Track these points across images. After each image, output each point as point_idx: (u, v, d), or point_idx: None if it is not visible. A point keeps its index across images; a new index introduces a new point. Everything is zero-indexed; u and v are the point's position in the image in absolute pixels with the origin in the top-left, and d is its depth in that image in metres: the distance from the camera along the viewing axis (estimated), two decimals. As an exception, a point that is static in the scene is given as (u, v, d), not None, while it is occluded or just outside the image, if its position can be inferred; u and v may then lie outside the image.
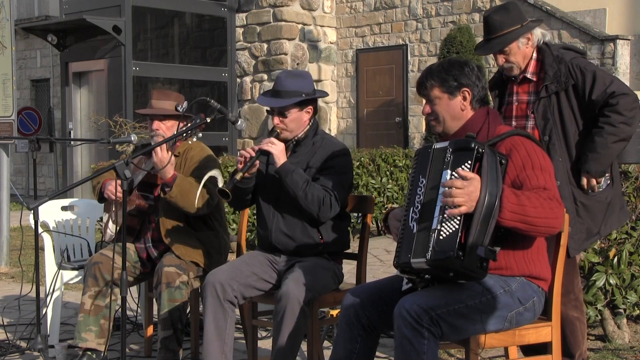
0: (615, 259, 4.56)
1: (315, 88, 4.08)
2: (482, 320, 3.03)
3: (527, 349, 3.82)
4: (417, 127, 12.50)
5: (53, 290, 4.78)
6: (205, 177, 4.13)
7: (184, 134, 4.06)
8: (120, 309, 3.72)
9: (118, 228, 4.49)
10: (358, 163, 9.07)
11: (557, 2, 11.31)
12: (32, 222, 4.48)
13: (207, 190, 4.26)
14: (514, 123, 3.88)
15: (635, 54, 10.88)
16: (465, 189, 2.83)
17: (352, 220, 8.23)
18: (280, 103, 3.90)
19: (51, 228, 5.16)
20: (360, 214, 4.25)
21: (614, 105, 3.69)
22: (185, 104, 4.47)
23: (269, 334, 4.95)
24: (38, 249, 4.58)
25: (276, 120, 3.93)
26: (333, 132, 13.35)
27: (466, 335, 3.04)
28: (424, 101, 3.33)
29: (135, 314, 5.38)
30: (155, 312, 4.58)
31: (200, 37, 13.52)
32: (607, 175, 3.82)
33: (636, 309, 4.71)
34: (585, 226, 3.80)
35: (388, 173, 9.28)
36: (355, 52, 13.37)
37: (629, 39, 10.69)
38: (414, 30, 12.62)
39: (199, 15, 13.41)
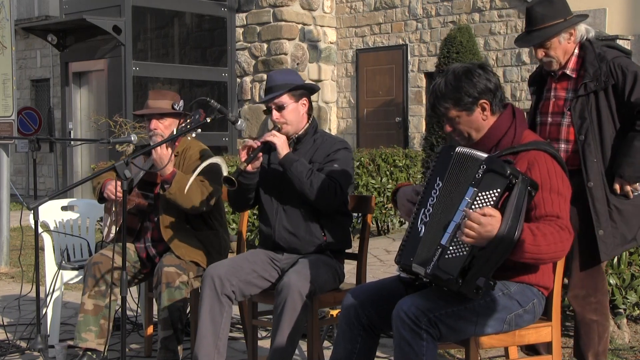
0: (615, 259, 4.56)
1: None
2: (481, 322, 3.02)
3: (528, 347, 3.83)
4: (417, 127, 12.50)
5: (53, 290, 4.78)
6: (205, 163, 4.11)
7: (185, 131, 4.05)
8: (120, 309, 3.72)
9: (118, 228, 4.49)
10: (358, 163, 9.07)
11: (557, 2, 11.31)
12: (32, 222, 4.47)
13: (207, 185, 4.27)
14: (549, 119, 3.82)
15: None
16: (481, 226, 2.77)
17: (352, 220, 8.24)
18: (275, 93, 3.94)
19: (51, 228, 5.15)
20: (360, 214, 4.25)
21: None
22: (181, 102, 4.49)
23: (269, 334, 4.95)
24: (38, 249, 4.58)
25: (275, 115, 3.95)
26: (333, 132, 13.34)
27: (465, 336, 3.04)
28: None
29: (135, 314, 5.38)
30: (155, 312, 4.58)
31: (200, 37, 13.51)
32: None
33: (636, 309, 4.71)
34: (619, 231, 3.70)
35: (388, 173, 9.28)
36: (355, 52, 13.37)
37: (629, 39, 10.68)
38: (414, 30, 12.62)
39: (199, 15, 13.40)
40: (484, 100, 3.09)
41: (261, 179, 4.03)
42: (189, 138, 4.40)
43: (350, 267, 4.34)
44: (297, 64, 12.98)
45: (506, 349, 3.75)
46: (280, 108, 3.95)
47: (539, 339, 3.25)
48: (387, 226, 9.40)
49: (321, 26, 13.42)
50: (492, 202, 2.85)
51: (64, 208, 5.25)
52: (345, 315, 3.21)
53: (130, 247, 4.49)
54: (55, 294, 4.81)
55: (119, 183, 3.52)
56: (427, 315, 2.90)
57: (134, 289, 5.23)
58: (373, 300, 3.19)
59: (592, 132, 3.68)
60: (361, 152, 9.62)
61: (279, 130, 3.93)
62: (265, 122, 12.92)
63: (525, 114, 3.28)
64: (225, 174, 4.10)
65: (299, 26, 13.13)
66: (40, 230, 4.64)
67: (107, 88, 12.74)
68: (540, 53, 3.75)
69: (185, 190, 4.17)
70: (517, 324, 3.11)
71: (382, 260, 7.74)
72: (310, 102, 4.06)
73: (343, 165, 3.92)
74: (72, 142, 12.63)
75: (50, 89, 17.54)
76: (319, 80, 13.21)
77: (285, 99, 3.95)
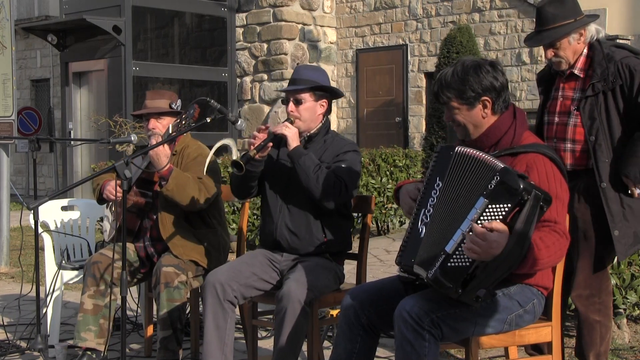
0: (615, 259, 4.55)
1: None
2: (482, 322, 3.02)
3: (533, 347, 3.83)
4: (417, 127, 12.50)
5: (53, 290, 4.78)
6: (218, 144, 4.12)
7: (181, 125, 4.04)
8: (120, 309, 3.72)
9: (117, 227, 4.49)
10: (358, 163, 9.06)
11: (557, 2, 11.30)
12: (32, 222, 4.48)
13: (206, 183, 4.27)
14: (556, 119, 3.81)
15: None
16: (487, 243, 2.72)
17: (353, 223, 8.24)
18: (297, 87, 3.94)
19: (51, 228, 5.16)
20: (360, 214, 4.25)
21: None
22: (179, 101, 4.49)
23: (269, 334, 4.95)
24: (38, 249, 4.58)
25: (291, 106, 3.95)
26: (333, 132, 13.34)
27: (466, 336, 3.04)
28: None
29: (135, 314, 5.38)
30: (155, 312, 4.58)
31: (200, 37, 13.51)
32: None
33: (636, 309, 4.71)
34: (632, 230, 3.68)
35: (388, 173, 9.28)
36: (355, 52, 13.37)
37: (629, 39, 10.67)
38: (414, 30, 12.62)
39: (199, 15, 13.40)
40: (487, 98, 3.09)
41: (268, 175, 4.03)
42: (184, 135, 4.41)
43: (350, 267, 4.34)
44: (297, 64, 12.97)
45: (506, 349, 3.76)
46: (298, 102, 3.95)
47: (539, 339, 3.25)
48: (387, 226, 9.40)
49: (321, 26, 13.42)
50: (500, 217, 2.80)
51: (64, 208, 5.25)
52: (345, 315, 3.21)
53: (129, 246, 4.49)
54: (55, 294, 4.81)
55: (118, 183, 3.52)
56: (429, 315, 2.90)
57: (133, 289, 5.23)
58: (373, 300, 3.19)
59: (602, 133, 3.67)
60: (361, 152, 9.61)
61: (292, 123, 3.93)
62: (266, 121, 12.92)
63: (525, 114, 3.27)
64: (234, 157, 4.09)
65: (299, 26, 13.14)
66: (40, 230, 4.64)
67: (107, 88, 12.74)
68: (550, 53, 3.74)
69: (205, 170, 4.18)
70: (518, 324, 3.11)
71: (382, 260, 7.74)
72: (329, 105, 4.04)
73: (350, 166, 3.91)
74: (72, 142, 12.64)
75: (50, 89, 17.54)
76: (319, 80, 13.19)
77: (305, 95, 3.95)
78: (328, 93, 4.02)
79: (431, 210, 2.98)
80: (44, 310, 4.85)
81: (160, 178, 4.26)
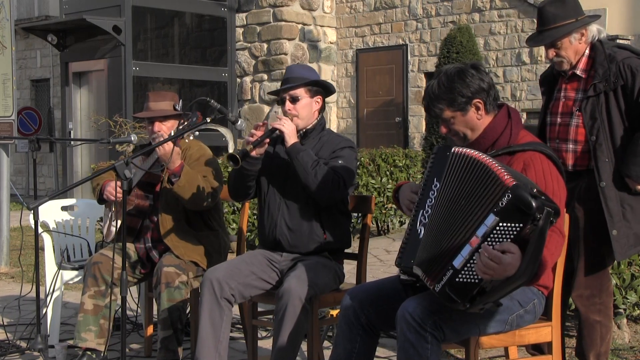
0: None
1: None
2: (484, 323, 3.02)
3: (534, 347, 3.83)
4: (417, 127, 12.50)
5: (53, 290, 4.78)
6: (217, 127, 4.13)
7: (184, 132, 4.05)
8: (120, 309, 3.72)
9: (118, 228, 4.49)
10: (358, 163, 9.07)
11: (557, 2, 11.30)
12: (32, 222, 4.47)
13: (211, 180, 4.28)
14: (558, 119, 3.81)
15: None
16: (501, 266, 2.65)
17: (352, 220, 8.24)
18: (291, 84, 3.96)
19: (51, 228, 5.15)
20: (360, 214, 4.25)
21: None
22: (180, 102, 4.49)
23: (269, 334, 4.95)
24: (38, 249, 4.58)
25: (288, 105, 3.97)
26: (333, 132, 13.35)
27: (467, 337, 3.04)
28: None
29: (135, 314, 5.38)
30: (155, 312, 4.58)
31: (200, 37, 13.52)
32: None
33: (636, 309, 4.71)
34: (632, 231, 3.68)
35: (388, 173, 9.28)
36: (355, 52, 13.37)
37: (629, 39, 10.67)
38: (414, 30, 12.62)
39: (199, 15, 13.41)
40: (478, 100, 3.09)
41: (266, 173, 4.03)
42: (186, 140, 4.40)
43: (350, 267, 4.34)
44: (297, 64, 12.98)
45: (506, 349, 3.76)
46: (295, 100, 3.96)
47: (539, 339, 3.25)
48: (387, 226, 9.41)
49: (321, 26, 13.42)
50: (512, 237, 2.72)
51: (64, 208, 5.25)
52: (344, 315, 3.21)
53: (130, 247, 4.49)
54: (55, 294, 4.81)
55: (118, 184, 3.51)
56: (432, 317, 2.89)
57: (134, 289, 5.23)
58: (372, 300, 3.19)
59: (603, 133, 3.67)
60: (361, 152, 9.62)
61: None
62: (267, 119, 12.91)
63: (519, 113, 3.25)
64: (230, 150, 4.10)
65: (299, 26, 13.14)
66: (40, 230, 4.64)
67: (107, 88, 12.74)
68: (551, 53, 3.74)
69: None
70: (518, 324, 3.12)
71: (382, 260, 7.74)
72: (323, 102, 4.07)
73: (347, 162, 3.93)
74: (72, 142, 12.64)
75: (50, 89, 17.54)
76: (319, 80, 13.20)
77: (301, 92, 3.96)
78: (322, 89, 4.05)
79: (429, 211, 2.97)
80: (44, 310, 4.85)
81: (171, 175, 4.24)
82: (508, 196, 2.70)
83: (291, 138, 3.86)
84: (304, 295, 3.63)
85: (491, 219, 2.72)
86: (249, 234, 7.87)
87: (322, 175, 3.79)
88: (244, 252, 4.41)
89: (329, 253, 3.98)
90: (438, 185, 2.98)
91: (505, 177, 2.75)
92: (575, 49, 3.74)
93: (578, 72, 3.77)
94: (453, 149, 2.99)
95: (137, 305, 5.25)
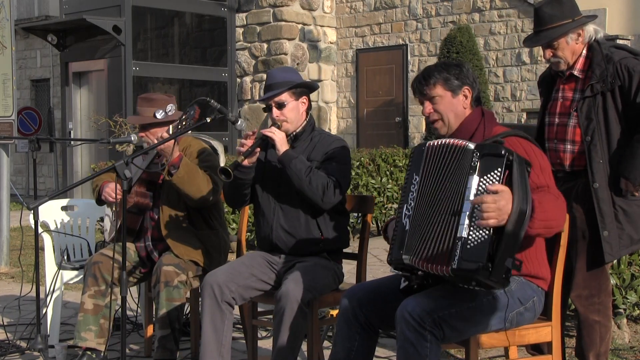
0: (616, 259, 4.55)
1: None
2: (483, 321, 3.03)
3: (534, 347, 3.83)
4: (417, 127, 12.50)
5: (53, 290, 4.78)
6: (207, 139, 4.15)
7: (181, 127, 4.02)
8: (120, 309, 3.73)
9: (118, 227, 4.49)
10: (358, 163, 9.07)
11: (557, 2, 11.30)
12: (32, 222, 4.48)
13: (212, 176, 4.27)
14: (556, 120, 3.82)
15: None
16: (497, 203, 2.74)
17: (352, 220, 8.23)
18: (275, 90, 3.94)
19: (51, 228, 5.16)
20: (360, 214, 4.25)
21: None
22: (169, 107, 4.40)
23: (269, 334, 4.95)
24: (38, 249, 4.58)
25: (275, 112, 3.95)
26: (333, 132, 13.33)
27: (467, 336, 3.05)
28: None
29: (135, 314, 5.38)
30: (154, 311, 4.58)
31: (200, 37, 13.52)
32: None
33: (636, 309, 4.71)
34: (625, 232, 3.69)
35: (388, 173, 9.28)
36: (355, 52, 13.37)
37: (629, 39, 10.68)
38: (414, 30, 12.62)
39: (199, 15, 13.41)
40: (468, 88, 3.24)
41: (259, 178, 4.03)
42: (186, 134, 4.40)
43: (350, 267, 4.34)
44: (297, 64, 12.98)
45: (506, 349, 3.76)
46: (281, 106, 3.95)
47: (539, 338, 3.26)
48: (387, 226, 9.40)
49: (321, 26, 13.42)
50: (496, 182, 2.84)
51: (64, 208, 5.25)
52: (343, 314, 3.22)
53: (130, 246, 4.49)
54: (55, 294, 4.81)
55: (118, 186, 3.51)
56: (431, 315, 2.90)
57: (134, 289, 5.23)
58: (370, 298, 3.20)
59: (598, 133, 3.67)
60: (361, 152, 9.62)
61: (279, 128, 3.93)
62: (266, 122, 12.92)
63: (494, 114, 3.38)
64: (222, 164, 4.10)
65: (299, 26, 13.14)
66: (40, 230, 4.64)
67: (107, 88, 12.75)
68: (548, 53, 3.75)
69: (202, 187, 4.20)
70: (518, 322, 3.12)
71: (382, 260, 7.74)
72: (309, 101, 4.06)
73: (341, 163, 3.92)
74: (72, 142, 12.64)
75: (50, 89, 17.54)
76: (319, 80, 13.21)
77: (285, 96, 3.95)
78: (306, 89, 4.03)
79: (412, 203, 3.00)
80: (44, 310, 4.85)
81: (170, 166, 4.22)
82: (476, 154, 2.87)
83: (282, 146, 3.85)
84: (302, 298, 3.63)
85: (472, 180, 2.85)
86: (248, 234, 7.87)
87: (317, 180, 3.79)
88: (243, 252, 4.41)
89: (328, 253, 3.98)
90: (418, 178, 3.03)
91: (470, 144, 2.92)
92: (572, 49, 3.74)
93: (575, 73, 3.77)
94: (427, 143, 3.07)
95: (137, 305, 5.25)
